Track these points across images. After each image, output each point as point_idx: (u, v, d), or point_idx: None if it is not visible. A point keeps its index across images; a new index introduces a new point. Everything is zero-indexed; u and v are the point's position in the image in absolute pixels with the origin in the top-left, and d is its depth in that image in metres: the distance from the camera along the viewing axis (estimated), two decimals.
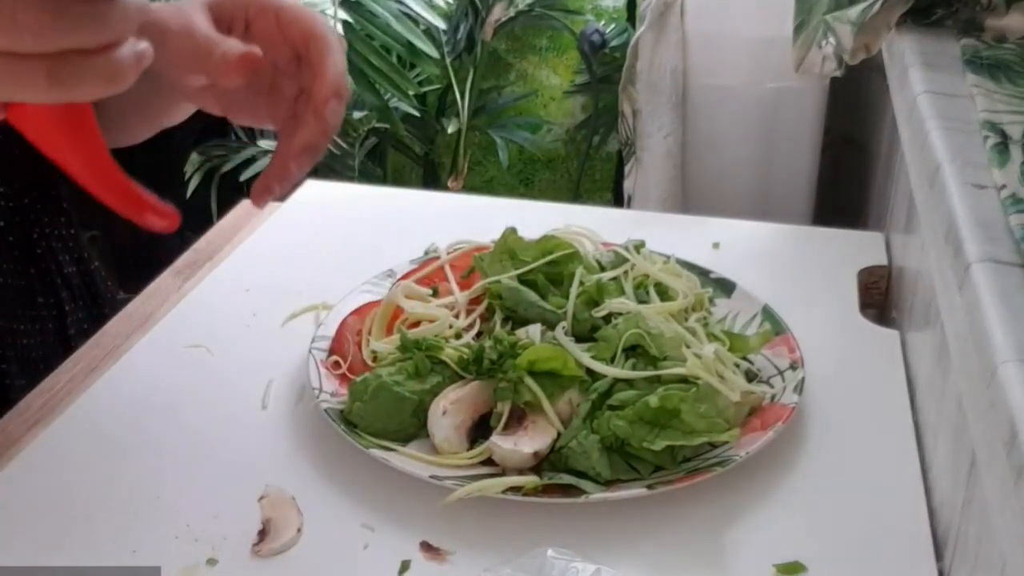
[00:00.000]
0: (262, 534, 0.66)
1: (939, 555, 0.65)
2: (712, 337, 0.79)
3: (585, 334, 0.79)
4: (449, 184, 2.37)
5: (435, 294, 0.86)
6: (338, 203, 1.13)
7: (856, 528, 0.67)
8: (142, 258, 1.09)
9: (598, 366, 0.74)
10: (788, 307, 0.85)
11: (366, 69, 2.05)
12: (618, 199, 1.82)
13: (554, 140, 2.44)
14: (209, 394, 0.81)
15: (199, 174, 2.01)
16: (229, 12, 0.66)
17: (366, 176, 2.22)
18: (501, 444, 0.70)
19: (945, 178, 0.63)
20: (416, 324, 0.82)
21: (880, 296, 0.98)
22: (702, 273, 0.89)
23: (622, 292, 0.82)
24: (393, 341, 0.80)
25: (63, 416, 0.78)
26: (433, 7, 2.13)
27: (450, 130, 2.32)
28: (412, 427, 0.74)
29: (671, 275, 0.85)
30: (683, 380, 0.72)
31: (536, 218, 0.92)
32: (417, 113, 2.22)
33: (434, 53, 2.13)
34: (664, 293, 0.83)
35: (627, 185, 1.61)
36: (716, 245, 1.00)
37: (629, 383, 0.73)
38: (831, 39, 1.01)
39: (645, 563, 0.65)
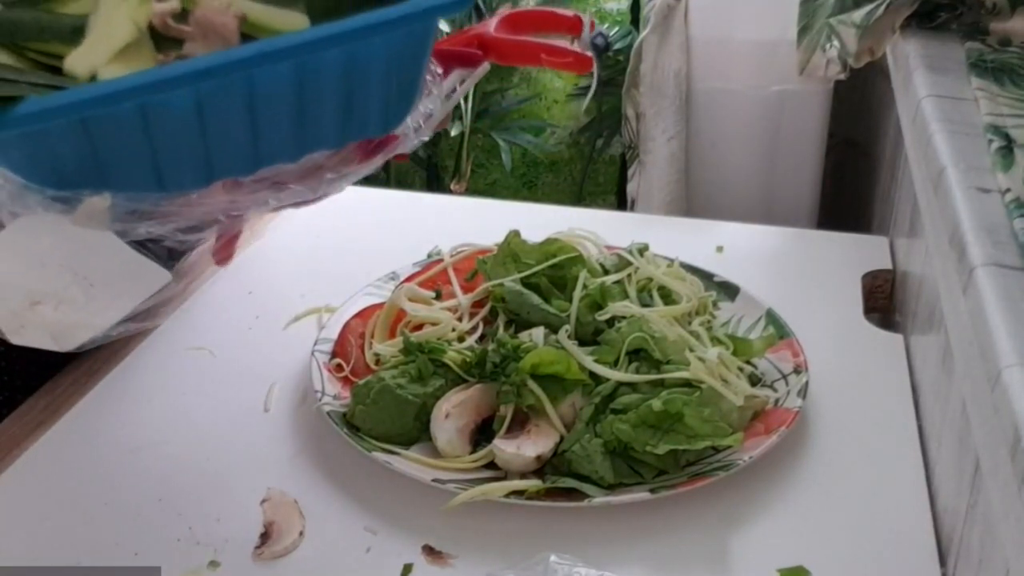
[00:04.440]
0: (264, 537, 0.66)
1: (942, 560, 0.65)
2: (716, 341, 0.79)
3: (588, 337, 0.78)
4: (452, 187, 2.37)
5: (438, 297, 0.86)
6: (341, 206, 1.13)
7: (860, 533, 0.67)
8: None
9: (601, 370, 0.73)
10: (792, 311, 0.85)
11: None
12: (621, 202, 1.81)
13: (557, 143, 2.44)
14: (212, 397, 0.81)
15: None
16: None
17: (369, 179, 2.21)
18: (504, 448, 0.70)
19: (949, 182, 0.63)
20: (419, 327, 0.82)
21: (884, 300, 0.98)
22: (706, 277, 0.89)
23: (625, 295, 0.82)
24: (396, 344, 0.79)
25: (66, 418, 0.78)
26: None
27: (453, 133, 2.31)
28: (415, 430, 0.74)
29: (675, 278, 0.85)
30: (687, 384, 0.72)
31: (539, 221, 0.92)
32: None
33: None
34: (668, 297, 0.83)
35: (630, 188, 1.61)
36: (720, 248, 1.00)
37: (632, 387, 0.73)
38: (835, 42, 1.01)
39: (648, 567, 0.65)
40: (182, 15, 0.50)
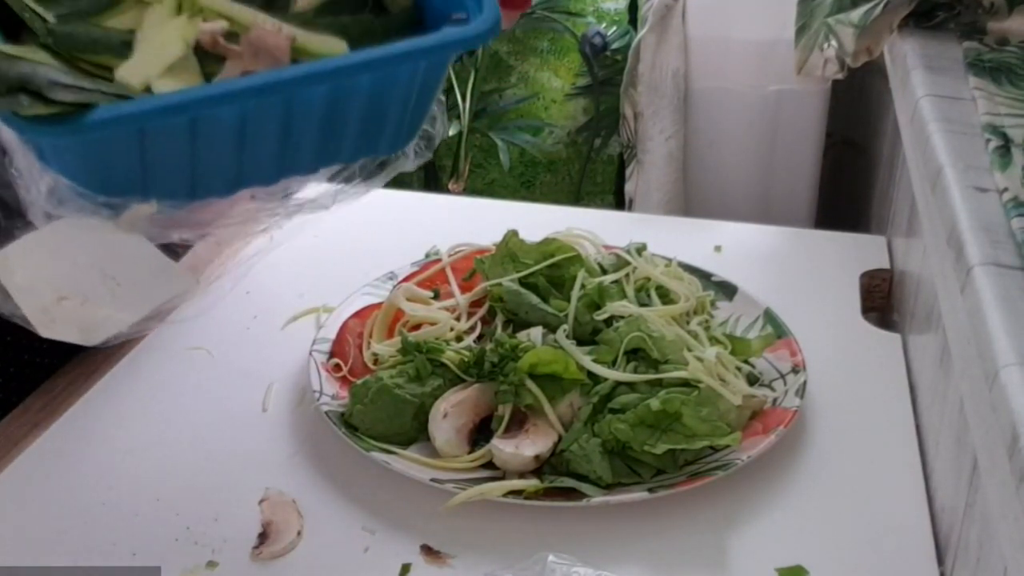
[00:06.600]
0: (262, 537, 0.66)
1: (940, 559, 0.65)
2: (714, 340, 0.79)
3: (586, 337, 0.78)
4: (450, 187, 2.37)
5: (436, 297, 0.86)
6: (339, 206, 1.13)
7: (858, 532, 0.67)
8: None
9: (599, 369, 0.73)
10: (790, 310, 0.85)
11: None
12: (619, 202, 1.81)
13: (555, 143, 2.44)
14: (210, 396, 0.81)
15: None
16: None
17: None
18: (502, 447, 0.70)
19: (947, 181, 0.63)
20: (417, 327, 0.82)
21: (882, 299, 0.98)
22: (704, 276, 0.89)
23: (624, 295, 0.82)
24: (394, 344, 0.79)
25: (64, 418, 0.78)
26: None
27: (451, 132, 2.31)
28: (413, 430, 0.74)
29: (673, 278, 0.85)
30: (685, 383, 0.72)
31: (537, 221, 0.92)
32: None
33: None
34: (666, 296, 0.83)
35: (628, 188, 1.61)
36: (718, 248, 1.00)
37: (631, 386, 0.73)
38: (833, 42, 1.01)
39: (646, 567, 0.65)
40: (231, 35, 0.53)
